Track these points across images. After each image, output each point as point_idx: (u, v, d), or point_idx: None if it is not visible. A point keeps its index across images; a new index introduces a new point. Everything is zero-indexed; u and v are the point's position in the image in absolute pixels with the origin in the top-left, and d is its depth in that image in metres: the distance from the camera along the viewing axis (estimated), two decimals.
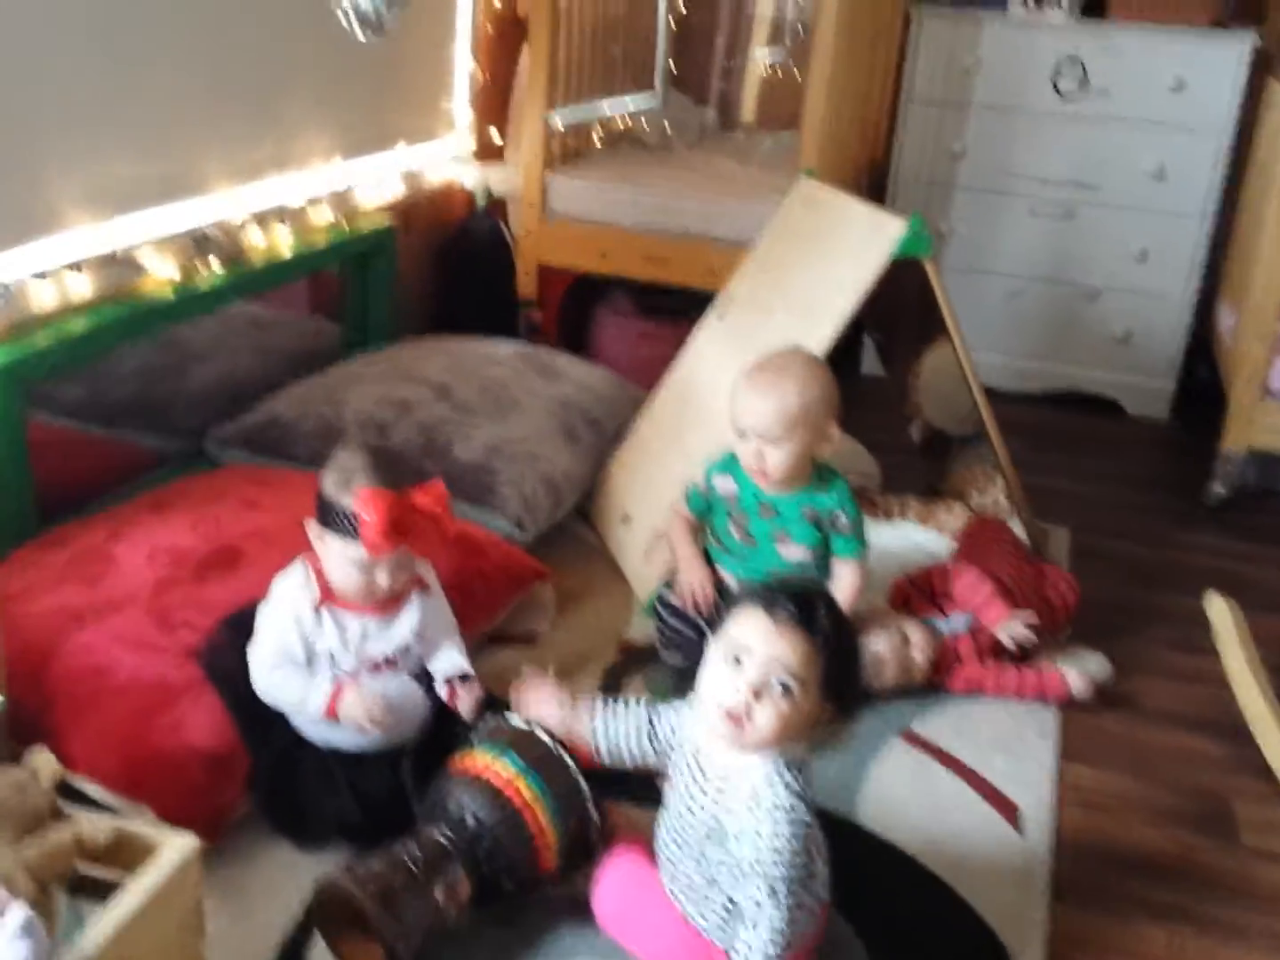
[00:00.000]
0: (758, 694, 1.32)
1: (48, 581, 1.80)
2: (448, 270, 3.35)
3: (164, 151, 2.26)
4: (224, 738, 1.61)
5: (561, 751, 1.54)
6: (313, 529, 1.64)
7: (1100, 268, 3.57)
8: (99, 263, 2.11)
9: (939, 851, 1.72)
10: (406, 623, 1.67)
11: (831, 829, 1.45)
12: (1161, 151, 3.42)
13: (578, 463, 2.55)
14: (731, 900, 1.38)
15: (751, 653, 1.33)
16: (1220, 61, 3.32)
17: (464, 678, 1.70)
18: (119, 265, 2.15)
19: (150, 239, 2.22)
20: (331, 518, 1.59)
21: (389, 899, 1.39)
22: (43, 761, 1.23)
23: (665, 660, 2.11)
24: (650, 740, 1.51)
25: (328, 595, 1.64)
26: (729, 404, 1.97)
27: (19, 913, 1.04)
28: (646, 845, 1.54)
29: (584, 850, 1.55)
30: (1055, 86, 3.46)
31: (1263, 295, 2.83)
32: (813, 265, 2.33)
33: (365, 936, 1.39)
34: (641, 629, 2.22)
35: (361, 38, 1.94)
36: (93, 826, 1.19)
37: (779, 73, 4.13)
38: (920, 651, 2.06)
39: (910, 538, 2.58)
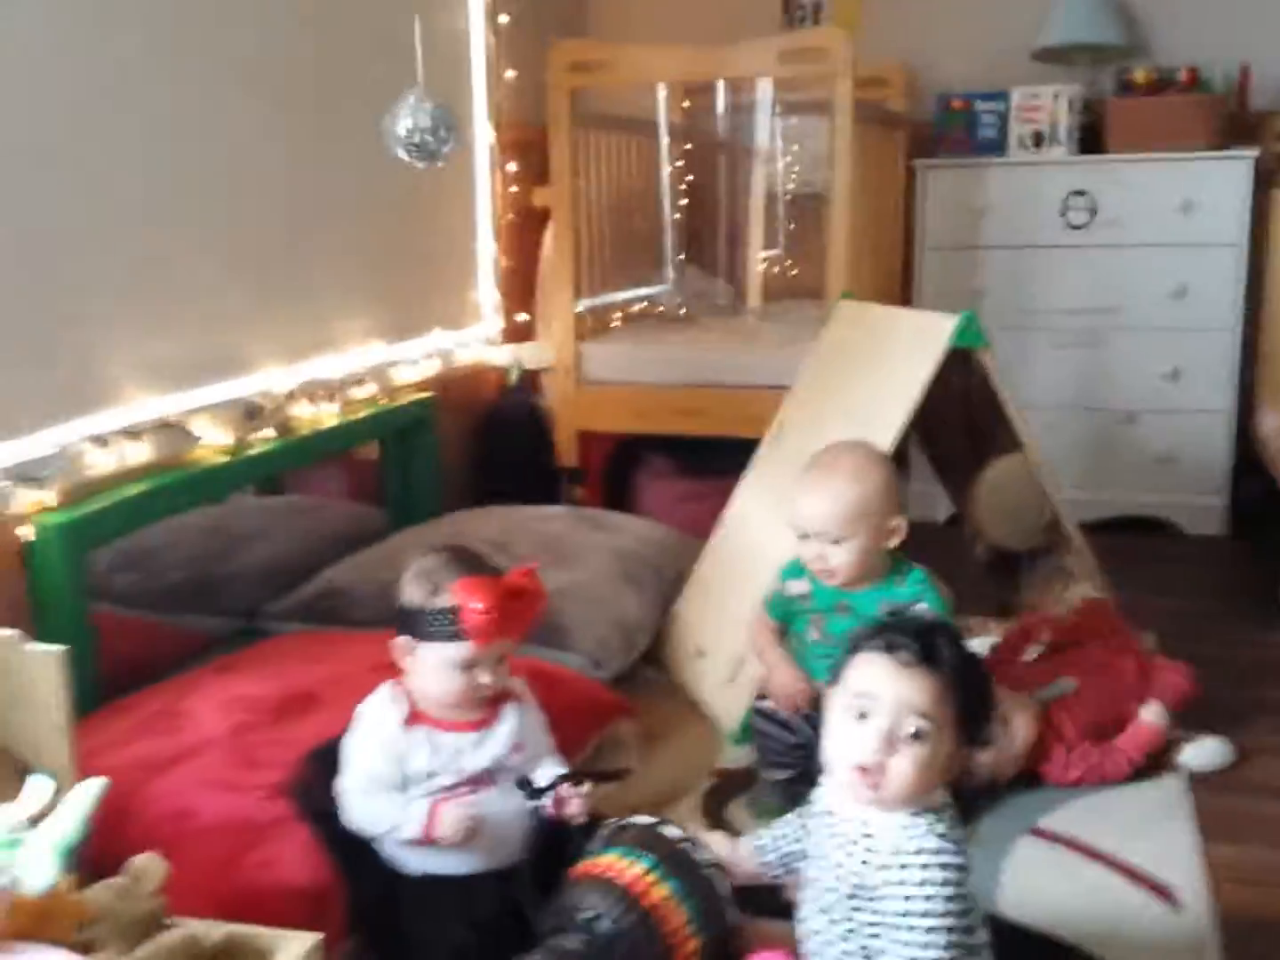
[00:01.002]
0: (891, 744, 1.23)
1: (118, 741, 1.72)
2: (485, 447, 3.36)
3: (213, 332, 2.31)
4: (320, 873, 1.51)
5: (694, 849, 1.43)
6: (399, 647, 1.57)
7: (1133, 390, 3.57)
8: (154, 430, 2.11)
9: (1097, 939, 1.57)
10: (503, 734, 1.58)
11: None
12: (1179, 271, 3.47)
13: (644, 607, 2.49)
14: None
15: (877, 700, 1.24)
16: (1224, 180, 3.40)
17: (567, 777, 1.59)
18: (174, 433, 2.16)
19: (202, 408, 2.23)
20: (425, 624, 1.52)
21: None
22: (147, 865, 1.13)
23: (766, 779, 1.99)
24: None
25: (416, 714, 1.56)
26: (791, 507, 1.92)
27: None
28: (787, 952, 1.41)
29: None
30: (1065, 220, 3.54)
31: None
32: (866, 376, 2.32)
33: None
34: (732, 757, 2.11)
35: (421, 166, 1.98)
36: (205, 928, 1.08)
37: (776, 269, 4.24)
38: (1022, 737, 1.95)
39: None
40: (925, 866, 1.22)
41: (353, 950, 1.52)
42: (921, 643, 1.25)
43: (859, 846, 1.27)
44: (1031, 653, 2.22)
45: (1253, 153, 3.39)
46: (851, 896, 1.27)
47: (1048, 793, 1.96)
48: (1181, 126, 3.44)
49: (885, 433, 2.14)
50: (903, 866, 1.23)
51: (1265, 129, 3.59)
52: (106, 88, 2.03)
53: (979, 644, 2.25)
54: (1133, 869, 1.74)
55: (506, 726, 1.59)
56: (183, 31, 2.18)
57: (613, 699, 2.12)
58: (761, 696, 2.01)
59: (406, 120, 1.95)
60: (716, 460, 3.19)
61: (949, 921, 1.21)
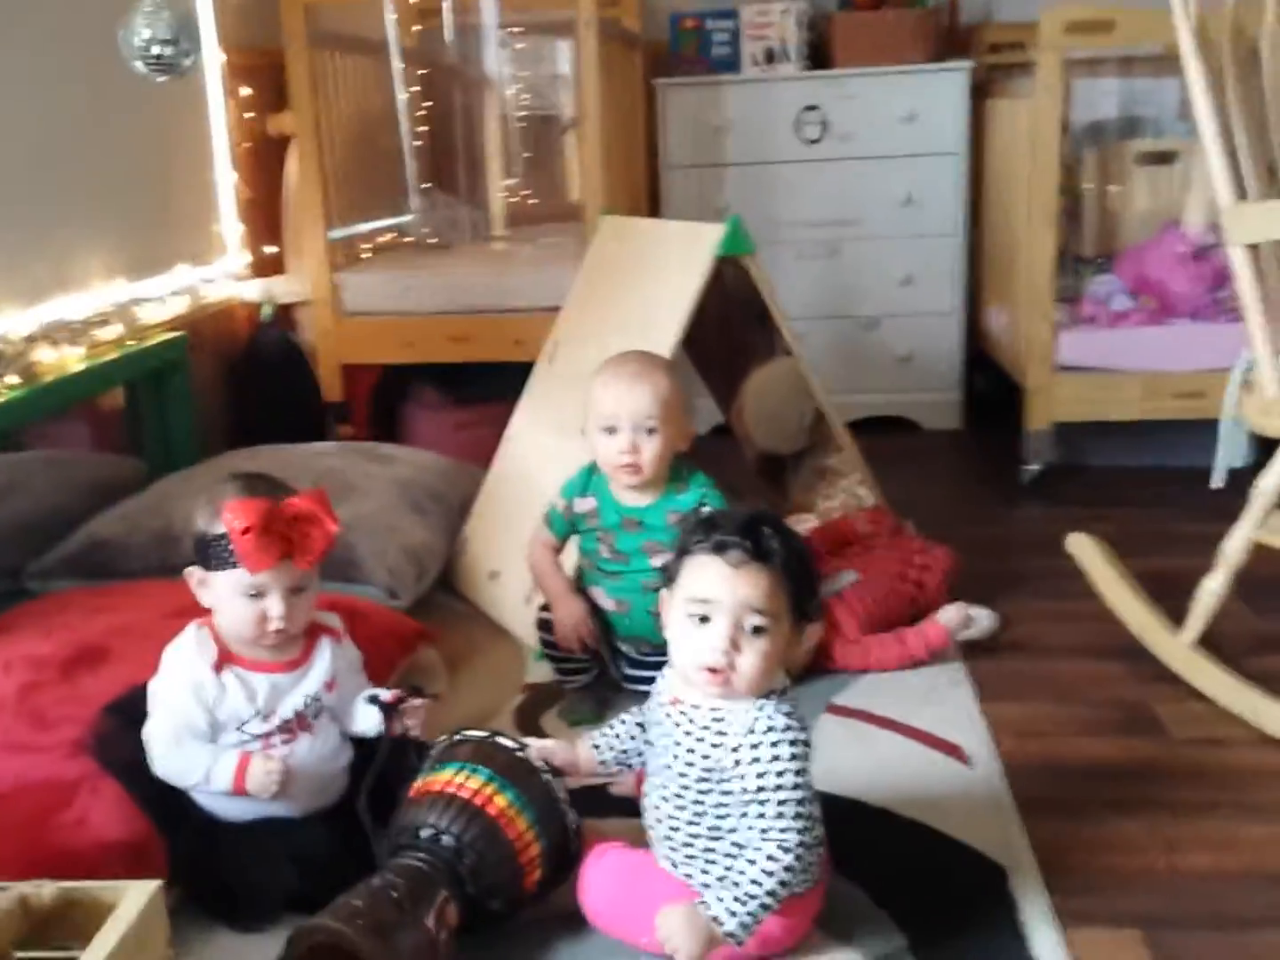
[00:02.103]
0: (735, 644, 1.29)
1: None
2: (243, 388, 3.22)
3: None
4: (135, 826, 1.45)
5: (528, 755, 1.44)
6: (191, 578, 1.51)
7: (872, 297, 3.74)
8: None
9: (900, 800, 1.69)
10: (318, 670, 1.54)
11: None
12: (907, 181, 3.65)
13: (432, 533, 2.47)
14: (737, 844, 1.31)
15: (716, 604, 1.29)
16: (943, 91, 3.58)
17: (396, 701, 1.57)
18: None
19: None
20: (207, 553, 1.47)
21: (383, 933, 1.25)
22: None
23: (569, 687, 2.02)
24: (647, 731, 1.45)
25: (227, 655, 1.50)
26: (585, 408, 1.93)
27: None
28: (624, 843, 1.45)
29: (566, 861, 1.45)
30: (800, 135, 3.65)
31: (1036, 277, 3.02)
32: (638, 288, 2.35)
33: None
34: (540, 672, 2.13)
35: (160, 80, 1.86)
36: (33, 888, 1.03)
37: (521, 198, 4.21)
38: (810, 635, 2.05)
39: None
40: (775, 744, 1.28)
41: (176, 902, 1.47)
42: (750, 539, 1.29)
43: (710, 731, 1.32)
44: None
45: (967, 64, 3.58)
46: (702, 780, 1.31)
47: (837, 676, 2.07)
48: (900, 40, 3.60)
49: (663, 342, 2.18)
50: (754, 746, 1.28)
51: (976, 41, 3.81)
52: None
53: None
54: (924, 733, 1.87)
55: (320, 664, 1.55)
56: None
57: (414, 625, 2.10)
58: (544, 608, 2.02)
59: (144, 30, 1.82)
60: (486, 387, 3.18)
61: (799, 794, 1.28)
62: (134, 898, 1.05)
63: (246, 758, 1.46)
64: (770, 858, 1.27)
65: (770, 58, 3.68)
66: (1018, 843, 1.58)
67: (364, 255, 3.56)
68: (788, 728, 1.30)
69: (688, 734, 1.34)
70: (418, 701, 1.59)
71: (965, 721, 1.90)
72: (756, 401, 2.93)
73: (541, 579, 2.03)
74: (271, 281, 3.25)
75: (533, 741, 1.48)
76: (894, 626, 2.14)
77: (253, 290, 3.23)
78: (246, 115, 3.31)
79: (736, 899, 1.26)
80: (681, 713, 1.35)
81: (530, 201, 4.19)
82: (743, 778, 1.29)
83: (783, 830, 1.28)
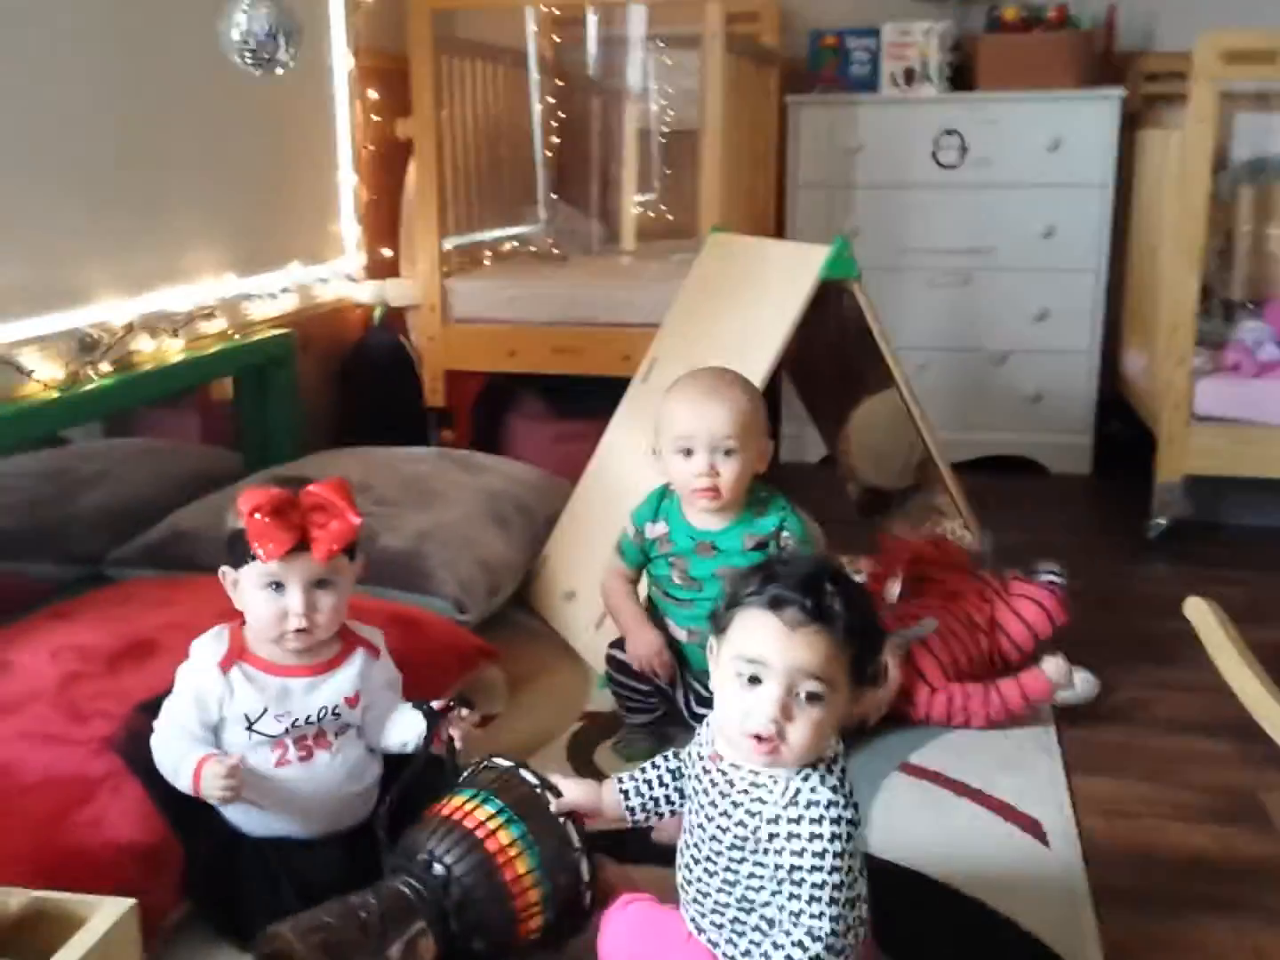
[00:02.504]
0: (786, 711, 1.15)
1: None
2: (349, 388, 3.23)
3: (43, 258, 2.16)
4: (153, 830, 1.41)
5: (548, 795, 1.36)
6: (227, 580, 1.48)
7: (1003, 331, 3.58)
8: None
9: (966, 875, 1.56)
10: (341, 680, 1.48)
11: None
12: (1048, 211, 3.48)
13: (512, 549, 2.41)
14: (767, 919, 1.20)
15: (768, 666, 1.16)
16: (1092, 119, 3.41)
17: (444, 710, 1.50)
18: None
19: (31, 340, 2.08)
20: (233, 549, 1.43)
21: (333, 952, 1.19)
22: None
23: (631, 723, 1.93)
24: (682, 779, 1.35)
25: (240, 654, 1.46)
26: (658, 428, 1.83)
27: None
28: (652, 897, 1.36)
29: (576, 915, 1.36)
30: (936, 159, 3.52)
31: (1176, 319, 2.83)
32: (737, 308, 2.26)
33: None
34: (602, 700, 2.05)
35: (258, 74, 1.85)
36: (3, 895, 0.98)
37: (650, 213, 4.15)
38: (889, 685, 1.92)
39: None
40: (817, 821, 1.16)
41: (186, 915, 1.43)
42: (811, 597, 1.15)
43: (748, 796, 1.20)
44: (892, 590, 2.18)
45: (1119, 92, 3.40)
46: (735, 848, 1.20)
47: (916, 730, 1.94)
48: (1050, 65, 3.44)
49: (758, 365, 2.08)
50: (793, 820, 1.16)
51: (1131, 69, 3.62)
52: None
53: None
54: (1002, 803, 1.73)
55: (347, 674, 1.48)
56: None
57: (476, 643, 2.04)
58: (614, 644, 1.94)
59: (241, 23, 1.81)
60: (590, 400, 3.11)
61: (837, 878, 1.15)
62: (105, 913, 1.00)
63: (205, 759, 1.39)
64: (798, 944, 1.15)
65: (910, 78, 3.55)
66: (1087, 935, 1.44)
67: (485, 263, 3.54)
68: (831, 803, 1.16)
69: (724, 795, 1.22)
70: (465, 712, 1.52)
71: (1049, 794, 1.76)
72: (863, 434, 2.82)
73: (615, 610, 1.94)
74: (384, 284, 3.25)
75: (557, 779, 1.40)
76: (980, 678, 2.00)
77: (365, 292, 3.24)
78: (374, 118, 3.32)
79: None
80: (721, 771, 1.23)
81: (668, 217, 4.12)
82: (779, 853, 1.17)
83: (815, 916, 1.15)
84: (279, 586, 1.43)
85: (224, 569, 1.47)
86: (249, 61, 1.84)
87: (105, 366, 2.22)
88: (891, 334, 2.43)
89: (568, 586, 2.32)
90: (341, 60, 3.14)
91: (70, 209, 2.21)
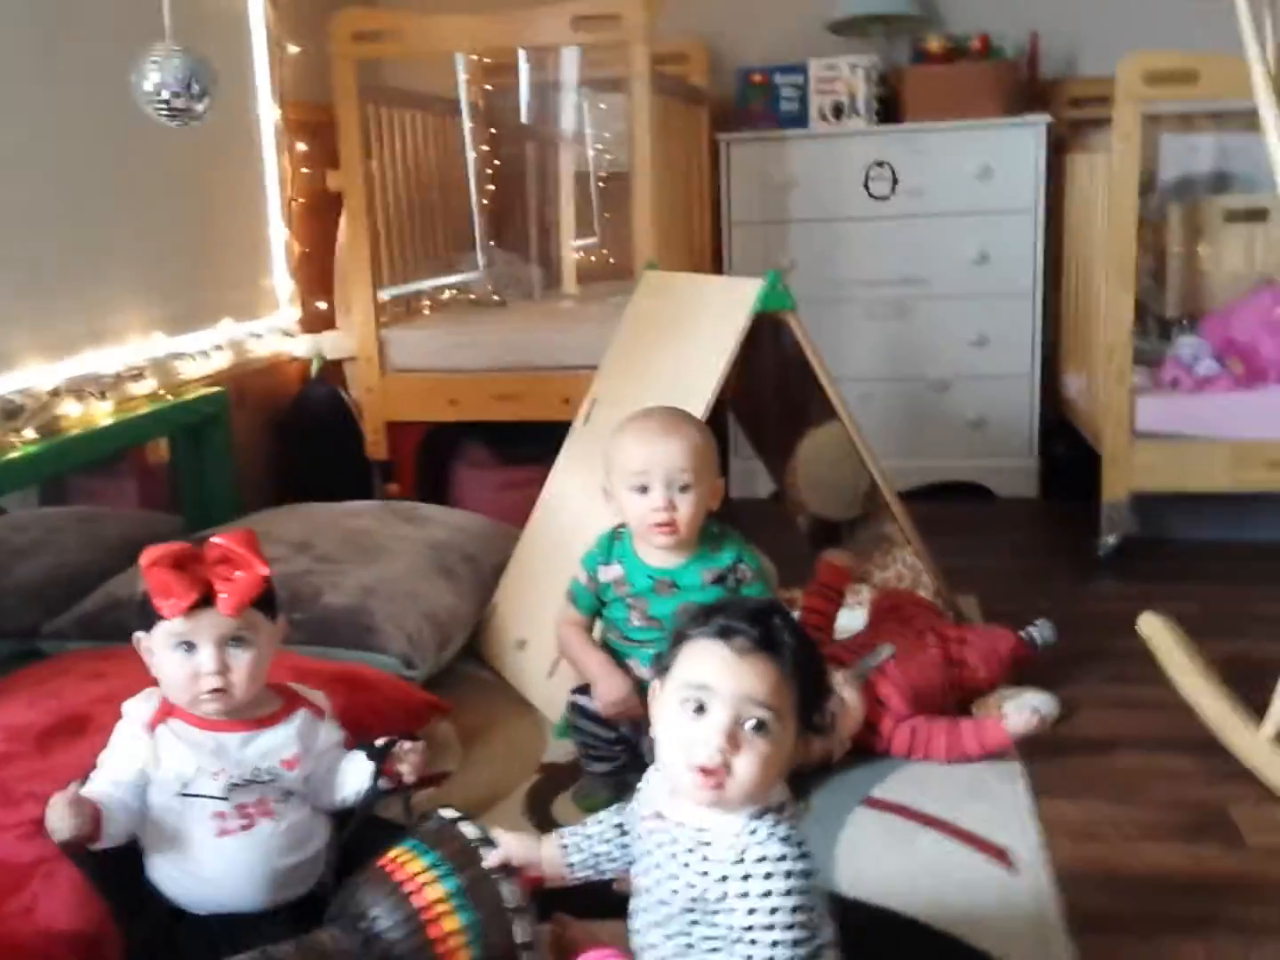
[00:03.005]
0: (734, 740, 1.12)
1: None
2: (289, 443, 3.17)
3: None
4: (89, 916, 1.34)
5: (485, 850, 1.31)
6: (141, 646, 1.43)
7: (943, 358, 3.59)
8: None
9: (935, 908, 1.52)
10: (278, 738, 1.43)
11: None
12: (981, 238, 3.51)
13: (460, 600, 2.36)
14: None
15: (715, 692, 1.12)
16: (1019, 146, 3.45)
17: (388, 746, 1.46)
18: None
19: None
20: (141, 611, 1.40)
21: None
22: None
23: (590, 770, 1.88)
24: (627, 834, 1.30)
25: (170, 710, 1.42)
26: (609, 467, 1.81)
27: None
28: (619, 951, 1.31)
29: None
30: (868, 191, 3.54)
31: (1113, 339, 2.85)
32: (673, 345, 2.24)
33: None
34: (559, 750, 2.00)
35: (172, 125, 1.81)
36: None
37: (592, 257, 4.14)
38: (853, 717, 1.90)
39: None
40: (769, 876, 1.11)
41: None
42: (758, 627, 1.14)
43: (695, 855, 1.15)
44: (883, 653, 2.13)
45: (1045, 119, 3.44)
46: (688, 910, 1.16)
47: (877, 763, 1.91)
48: (975, 94, 3.48)
49: (698, 400, 2.06)
50: (745, 877, 1.12)
51: (1057, 96, 3.67)
52: None
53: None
54: (967, 833, 1.70)
55: (285, 732, 1.44)
56: None
57: (426, 698, 1.99)
58: (578, 690, 1.89)
59: (154, 75, 1.78)
60: (534, 446, 3.08)
61: (793, 934, 1.10)
62: None
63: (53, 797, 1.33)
64: None
65: (839, 113, 3.57)
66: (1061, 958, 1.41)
67: (425, 312, 3.51)
68: (782, 856, 1.12)
69: (672, 856, 1.17)
70: (408, 745, 1.48)
71: (1015, 821, 1.73)
72: (809, 466, 2.80)
73: (576, 659, 1.89)
74: (320, 337, 3.20)
75: (498, 832, 1.35)
76: (940, 706, 1.97)
77: (301, 346, 3.19)
78: (304, 171, 3.29)
79: None
80: (664, 831, 1.19)
81: (610, 260, 4.10)
82: (730, 912, 1.12)
83: None
84: (190, 646, 1.38)
85: (137, 635, 1.42)
86: (163, 114, 1.81)
87: (30, 433, 2.16)
88: (833, 366, 2.42)
89: (518, 635, 2.28)
90: (268, 112, 3.11)
91: None
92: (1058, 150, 3.54)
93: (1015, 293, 3.52)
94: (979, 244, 3.51)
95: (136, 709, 1.44)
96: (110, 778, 1.39)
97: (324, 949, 1.25)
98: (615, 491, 1.80)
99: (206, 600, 1.38)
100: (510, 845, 1.33)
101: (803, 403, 2.63)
